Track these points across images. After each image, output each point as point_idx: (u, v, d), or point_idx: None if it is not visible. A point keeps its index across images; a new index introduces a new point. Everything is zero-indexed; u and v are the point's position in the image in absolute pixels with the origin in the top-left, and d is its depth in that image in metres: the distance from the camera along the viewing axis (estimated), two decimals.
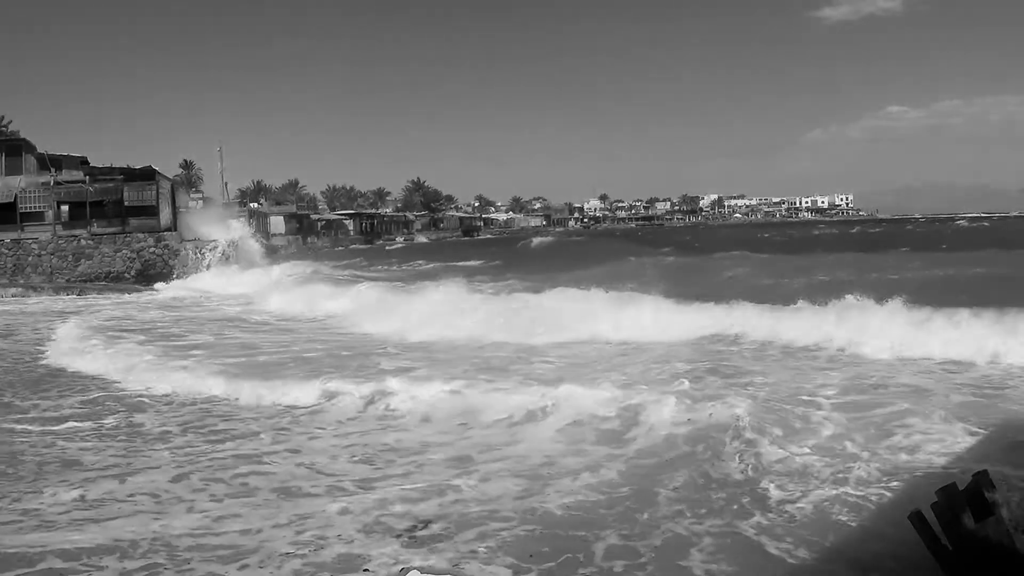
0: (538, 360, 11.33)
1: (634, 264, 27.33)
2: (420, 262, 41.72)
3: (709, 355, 11.03)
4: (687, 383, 8.66)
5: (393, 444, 7.41)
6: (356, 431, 7.95)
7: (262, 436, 7.83)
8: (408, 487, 6.11)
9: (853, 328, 11.14)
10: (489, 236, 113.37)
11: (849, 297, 12.18)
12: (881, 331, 10.83)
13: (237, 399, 9.42)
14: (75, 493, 6.19)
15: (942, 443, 6.42)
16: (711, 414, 7.21)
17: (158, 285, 31.14)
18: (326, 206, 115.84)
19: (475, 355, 11.94)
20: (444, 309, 15.41)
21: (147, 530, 5.38)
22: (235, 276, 30.62)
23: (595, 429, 7.43)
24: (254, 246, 39.84)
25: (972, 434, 6.61)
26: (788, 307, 12.61)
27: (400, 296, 18.63)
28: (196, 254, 33.94)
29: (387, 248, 73.43)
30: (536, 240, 57.82)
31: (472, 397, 8.63)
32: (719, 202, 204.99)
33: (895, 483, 5.62)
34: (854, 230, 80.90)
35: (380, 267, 39.78)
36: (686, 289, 15.97)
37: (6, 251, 32.44)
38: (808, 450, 6.38)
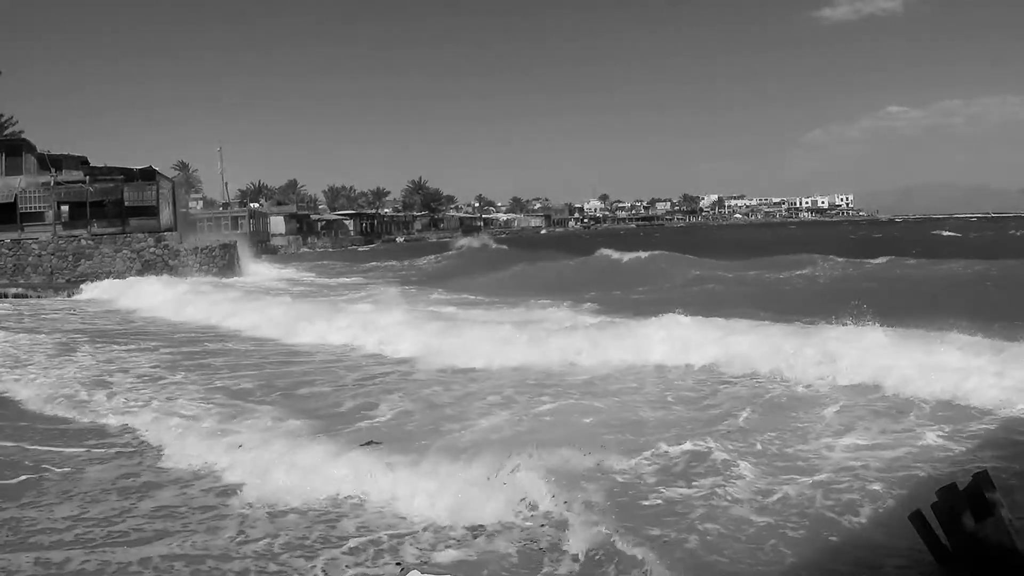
0: None
1: None
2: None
3: None
4: None
5: None
6: None
7: None
8: None
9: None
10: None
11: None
12: None
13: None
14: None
15: None
16: None
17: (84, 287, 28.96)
18: (327, 206, 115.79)
19: None
20: None
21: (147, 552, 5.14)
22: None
23: None
24: (248, 249, 39.83)
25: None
26: None
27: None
28: (195, 255, 33.89)
29: (360, 250, 71.84)
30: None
31: None
32: (719, 202, 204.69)
33: (894, 483, 5.63)
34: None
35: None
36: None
37: (6, 251, 32.30)
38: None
